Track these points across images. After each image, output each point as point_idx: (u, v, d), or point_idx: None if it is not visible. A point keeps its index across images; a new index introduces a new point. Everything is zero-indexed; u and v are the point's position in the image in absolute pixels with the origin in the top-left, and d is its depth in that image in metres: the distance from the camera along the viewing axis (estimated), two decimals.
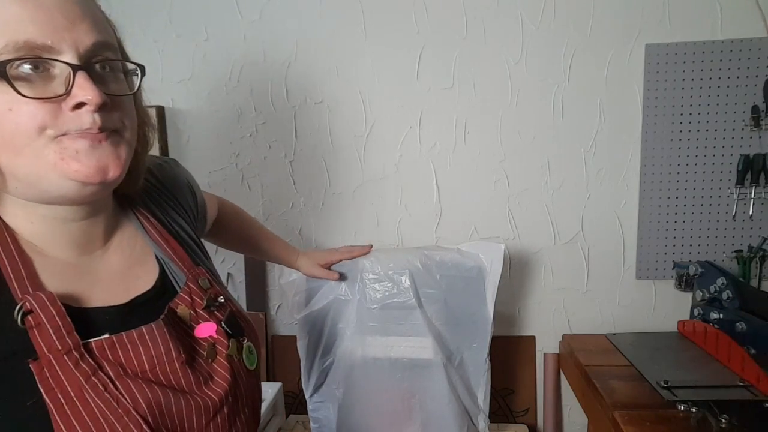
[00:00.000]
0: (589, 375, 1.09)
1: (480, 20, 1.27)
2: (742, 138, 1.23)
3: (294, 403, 1.42)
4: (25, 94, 0.43)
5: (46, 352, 0.44)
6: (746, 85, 1.21)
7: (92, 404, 0.44)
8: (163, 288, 0.57)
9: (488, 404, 1.14)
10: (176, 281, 0.59)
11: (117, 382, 0.46)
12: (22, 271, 0.47)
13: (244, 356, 0.58)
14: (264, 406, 1.20)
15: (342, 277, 1.13)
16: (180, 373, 0.51)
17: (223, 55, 1.34)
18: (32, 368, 0.43)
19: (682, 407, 0.92)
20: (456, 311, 1.13)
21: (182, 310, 0.56)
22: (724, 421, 0.86)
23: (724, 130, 1.23)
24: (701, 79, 1.22)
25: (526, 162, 1.31)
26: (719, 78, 1.22)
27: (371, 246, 1.14)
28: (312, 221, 1.40)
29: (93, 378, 0.45)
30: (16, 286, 0.46)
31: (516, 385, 1.38)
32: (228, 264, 1.43)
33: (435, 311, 1.13)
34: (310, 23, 1.31)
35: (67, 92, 0.45)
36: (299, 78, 1.34)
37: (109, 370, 0.46)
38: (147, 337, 0.50)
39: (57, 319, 0.45)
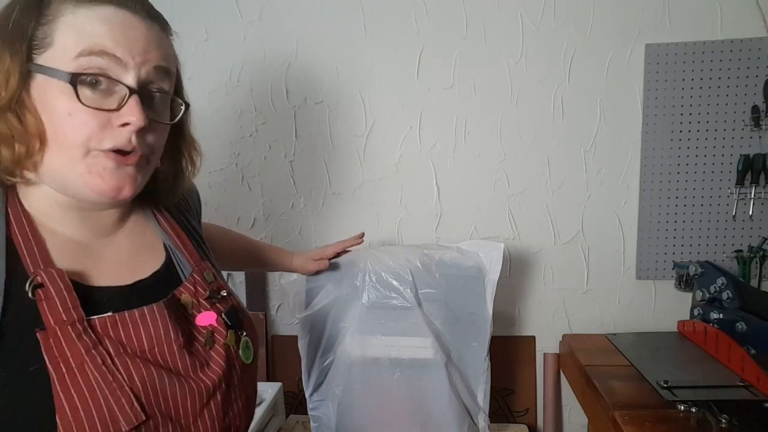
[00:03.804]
0: (589, 375, 1.09)
1: (480, 20, 1.27)
2: (742, 138, 1.23)
3: (294, 403, 1.42)
4: (85, 104, 0.49)
5: (52, 323, 0.47)
6: (746, 85, 1.21)
7: (90, 376, 0.47)
8: (168, 275, 0.60)
9: (488, 403, 1.14)
10: (182, 270, 0.62)
11: (116, 359, 0.49)
12: (35, 248, 0.51)
13: (240, 349, 0.60)
14: (264, 406, 1.20)
15: (334, 266, 1.14)
16: (177, 356, 0.53)
17: (223, 55, 1.34)
18: (39, 337, 0.46)
19: (682, 407, 0.92)
20: (455, 310, 1.13)
21: (185, 298, 0.59)
22: (724, 421, 0.86)
23: (724, 130, 1.23)
24: (701, 79, 1.22)
25: (526, 162, 1.31)
26: (719, 78, 1.22)
27: (362, 234, 1.13)
28: (312, 221, 1.40)
29: (93, 351, 0.48)
30: (28, 261, 0.50)
31: (516, 385, 1.38)
32: None
33: (434, 310, 1.13)
34: (310, 23, 1.31)
35: (117, 109, 0.50)
36: (299, 78, 1.34)
37: (110, 346, 0.49)
38: (148, 317, 0.52)
39: (64, 292, 0.49)
